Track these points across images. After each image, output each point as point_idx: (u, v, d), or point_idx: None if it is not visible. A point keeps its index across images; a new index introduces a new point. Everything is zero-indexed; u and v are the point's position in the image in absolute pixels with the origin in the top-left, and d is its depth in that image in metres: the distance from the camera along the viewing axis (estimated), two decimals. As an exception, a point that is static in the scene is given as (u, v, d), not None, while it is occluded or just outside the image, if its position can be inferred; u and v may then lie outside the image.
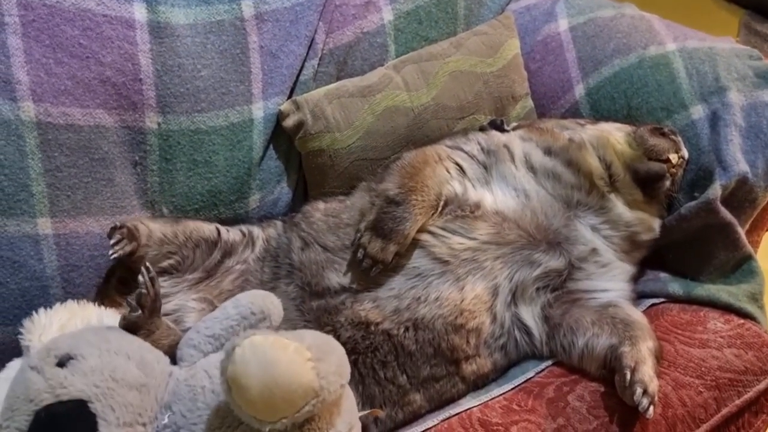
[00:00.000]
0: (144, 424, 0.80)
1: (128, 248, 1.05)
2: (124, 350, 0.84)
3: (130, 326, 0.91)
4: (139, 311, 0.90)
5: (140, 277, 0.91)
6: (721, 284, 1.14)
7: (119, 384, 0.80)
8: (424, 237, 1.06)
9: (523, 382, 1.04)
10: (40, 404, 0.77)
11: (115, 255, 1.04)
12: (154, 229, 1.10)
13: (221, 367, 0.74)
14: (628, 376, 0.92)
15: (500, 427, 0.96)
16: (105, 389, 0.78)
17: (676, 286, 1.15)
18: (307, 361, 0.73)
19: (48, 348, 0.83)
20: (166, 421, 0.82)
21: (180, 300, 1.09)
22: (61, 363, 0.80)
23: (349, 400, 0.88)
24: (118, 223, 1.06)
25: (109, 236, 1.05)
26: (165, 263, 1.10)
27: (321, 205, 1.20)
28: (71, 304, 0.95)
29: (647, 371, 0.93)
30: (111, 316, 0.95)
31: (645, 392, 0.90)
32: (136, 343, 0.87)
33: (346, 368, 0.81)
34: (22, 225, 1.04)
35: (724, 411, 0.99)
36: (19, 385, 0.80)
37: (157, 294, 0.92)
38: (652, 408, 0.90)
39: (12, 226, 1.03)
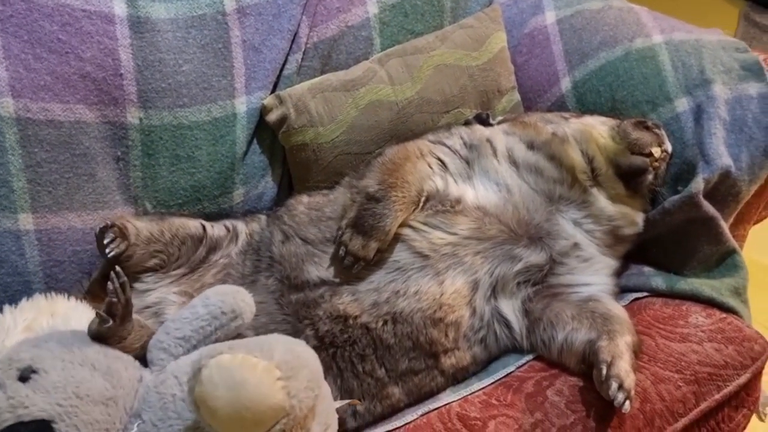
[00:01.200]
0: None
1: (123, 246, 1.05)
2: (89, 361, 0.82)
3: (100, 336, 0.87)
4: (110, 321, 0.86)
5: (109, 284, 0.86)
6: (704, 278, 1.14)
7: (84, 401, 0.78)
8: (405, 231, 1.05)
9: (503, 377, 1.04)
10: (2, 424, 0.75)
11: (112, 254, 1.03)
12: (141, 227, 1.10)
13: (188, 387, 0.73)
14: (604, 371, 0.92)
15: (478, 422, 0.96)
16: (69, 407, 0.77)
17: (659, 280, 1.15)
18: (276, 380, 0.72)
19: (10, 359, 0.81)
20: (135, 430, 0.80)
21: (161, 293, 1.09)
22: (23, 377, 0.79)
23: (325, 400, 0.88)
24: (108, 222, 1.06)
25: (101, 236, 1.04)
26: (151, 262, 1.10)
27: (305, 198, 1.20)
28: (38, 300, 0.94)
29: (623, 366, 0.92)
30: (81, 312, 0.94)
31: (621, 387, 0.90)
32: (102, 352, 0.85)
33: (319, 379, 0.79)
34: (3, 221, 1.05)
35: (703, 405, 0.98)
36: None
37: (128, 300, 0.88)
38: (628, 403, 0.90)
39: (-7, 221, 1.04)
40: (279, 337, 0.80)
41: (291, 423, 0.72)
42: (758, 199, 1.22)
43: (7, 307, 0.91)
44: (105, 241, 1.03)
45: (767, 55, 1.22)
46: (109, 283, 0.85)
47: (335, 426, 0.88)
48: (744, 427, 1.07)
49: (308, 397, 0.74)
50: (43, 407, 0.75)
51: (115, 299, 0.84)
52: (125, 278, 0.86)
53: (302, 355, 0.76)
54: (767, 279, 2.02)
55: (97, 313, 0.84)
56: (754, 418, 1.53)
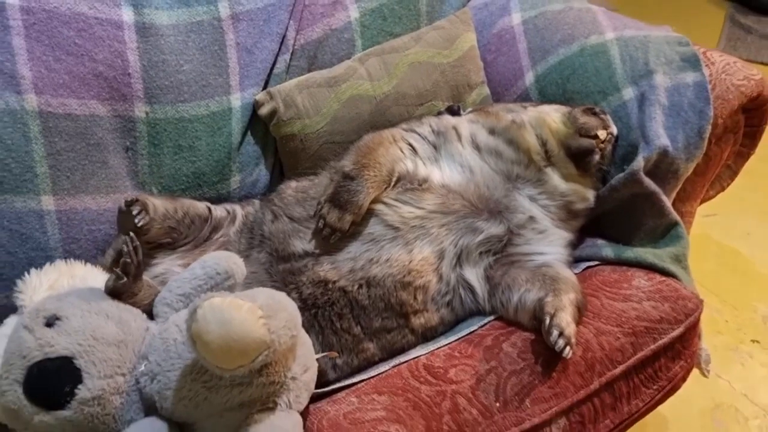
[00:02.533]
0: (123, 375, 0.93)
1: (147, 218, 1.15)
2: (104, 311, 0.96)
3: (115, 291, 1.01)
4: (124, 278, 1.00)
5: (124, 247, 1.01)
6: (649, 247, 1.26)
7: (99, 342, 0.92)
8: (378, 207, 1.19)
9: (466, 334, 1.17)
10: (31, 360, 0.90)
11: (141, 223, 1.13)
12: (158, 205, 1.21)
13: (186, 325, 0.85)
14: (547, 321, 1.05)
15: (441, 370, 1.09)
16: (87, 347, 0.91)
17: (608, 250, 1.28)
18: (259, 318, 0.84)
19: (37, 309, 0.95)
20: (143, 369, 0.94)
21: (167, 265, 1.23)
22: (49, 323, 0.93)
23: (305, 346, 1.02)
24: (133, 197, 1.17)
25: (128, 208, 1.14)
26: (164, 239, 1.22)
27: (293, 183, 1.34)
28: (60, 264, 1.08)
29: (565, 317, 1.05)
30: (96, 274, 1.08)
31: (561, 334, 1.03)
32: (114, 305, 0.99)
33: (297, 321, 0.93)
34: (28, 201, 1.18)
35: (640, 354, 1.11)
36: (14, 342, 0.93)
37: (140, 262, 1.02)
38: (568, 348, 1.02)
39: (19, 202, 1.18)
40: (263, 289, 0.95)
41: (272, 356, 0.86)
42: (702, 178, 1.35)
43: (33, 270, 1.05)
44: (134, 212, 1.14)
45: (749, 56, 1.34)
46: (123, 245, 0.99)
47: (314, 370, 1.02)
48: (683, 378, 1.19)
49: (286, 335, 0.87)
50: (66, 346, 0.89)
51: (128, 260, 0.99)
52: (138, 242, 1.01)
53: (282, 301, 0.90)
54: (731, 259, 2.16)
55: (113, 270, 0.99)
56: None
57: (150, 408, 0.94)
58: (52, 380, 0.88)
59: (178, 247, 1.25)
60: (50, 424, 0.88)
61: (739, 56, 3.35)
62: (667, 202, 1.25)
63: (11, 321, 0.99)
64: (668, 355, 1.15)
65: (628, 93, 1.31)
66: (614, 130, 1.27)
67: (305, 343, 1.02)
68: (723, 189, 1.46)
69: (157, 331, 0.97)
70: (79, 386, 0.88)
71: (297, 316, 0.93)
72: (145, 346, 0.96)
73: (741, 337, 1.91)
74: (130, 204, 1.15)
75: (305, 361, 1.00)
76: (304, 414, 1.02)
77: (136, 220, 1.14)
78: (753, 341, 1.90)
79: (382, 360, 1.17)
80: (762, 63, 3.26)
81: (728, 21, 3.58)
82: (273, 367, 0.92)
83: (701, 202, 1.43)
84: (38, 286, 1.00)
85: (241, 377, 0.89)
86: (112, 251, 1.25)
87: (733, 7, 3.68)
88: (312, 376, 1.01)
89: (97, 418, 0.89)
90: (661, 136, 1.23)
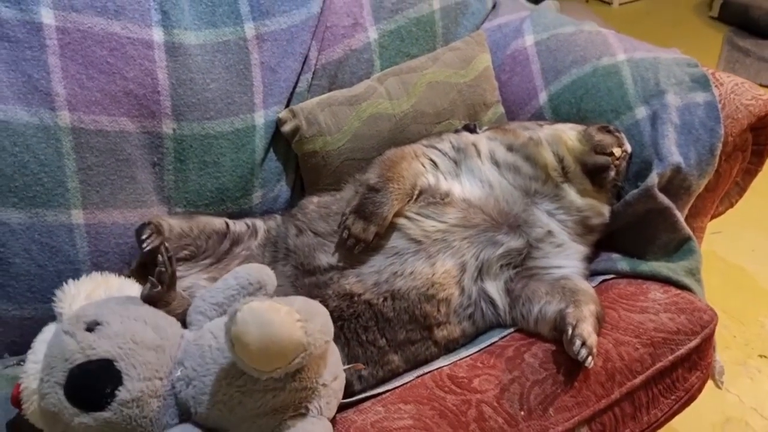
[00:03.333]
0: (161, 378, 0.96)
1: (157, 242, 1.20)
2: (142, 317, 0.99)
3: (151, 299, 1.05)
4: (159, 287, 1.05)
5: (159, 257, 1.06)
6: (663, 261, 1.30)
7: (139, 346, 0.95)
8: (401, 221, 1.22)
9: (487, 346, 1.20)
10: (74, 363, 0.92)
11: (148, 248, 1.18)
12: (173, 224, 1.27)
13: (225, 328, 0.88)
14: (570, 332, 1.08)
15: (465, 380, 1.12)
16: (127, 350, 0.94)
17: (624, 264, 1.31)
18: (296, 321, 0.87)
19: (78, 315, 0.98)
20: (179, 374, 0.97)
21: (193, 279, 1.26)
22: (90, 328, 0.95)
23: (334, 355, 1.05)
24: (146, 221, 1.23)
25: (140, 232, 1.21)
26: (182, 253, 1.26)
27: (315, 198, 1.37)
28: (95, 276, 1.10)
29: (586, 327, 1.08)
30: (130, 285, 1.11)
31: (584, 344, 1.06)
32: (151, 311, 1.02)
33: (330, 328, 0.96)
34: (59, 215, 1.22)
35: (659, 365, 1.14)
36: (56, 347, 0.95)
37: (173, 271, 1.07)
38: (590, 358, 1.05)
39: (50, 216, 1.21)
40: (298, 296, 0.98)
41: (308, 358, 0.89)
42: (712, 194, 1.39)
43: (71, 281, 1.08)
44: (142, 237, 1.19)
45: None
46: (159, 256, 1.03)
47: (342, 379, 1.05)
48: (699, 389, 1.22)
49: (322, 339, 0.90)
50: (107, 349, 0.92)
51: (163, 269, 1.02)
52: (172, 253, 1.04)
53: (316, 307, 0.94)
54: (737, 275, 2.20)
55: (149, 279, 1.02)
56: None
57: (185, 414, 0.96)
58: (93, 381, 0.91)
59: (200, 260, 1.29)
60: (89, 425, 0.90)
61: (737, 78, 3.43)
62: (680, 217, 1.29)
63: (50, 328, 1.01)
64: (685, 366, 1.18)
65: (641, 112, 1.35)
66: (628, 147, 1.32)
67: (334, 351, 1.05)
68: (732, 205, 1.50)
69: (192, 338, 1.00)
70: (120, 388, 0.91)
71: (330, 323, 0.96)
72: (180, 352, 0.99)
73: (749, 352, 1.94)
74: (142, 228, 1.21)
75: (335, 369, 1.02)
76: (332, 423, 1.05)
77: (144, 245, 1.18)
78: (761, 356, 1.93)
79: (406, 371, 1.20)
80: (760, 84, 3.33)
81: (727, 44, 3.66)
82: (306, 372, 0.95)
83: (711, 218, 1.47)
84: (76, 295, 1.03)
85: (275, 381, 0.92)
86: (136, 266, 1.28)
87: (732, 30, 3.77)
88: (340, 384, 1.03)
89: (135, 421, 0.91)
90: (674, 153, 1.27)
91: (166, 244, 1.05)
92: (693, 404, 1.25)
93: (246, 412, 0.94)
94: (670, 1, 4.30)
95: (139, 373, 0.94)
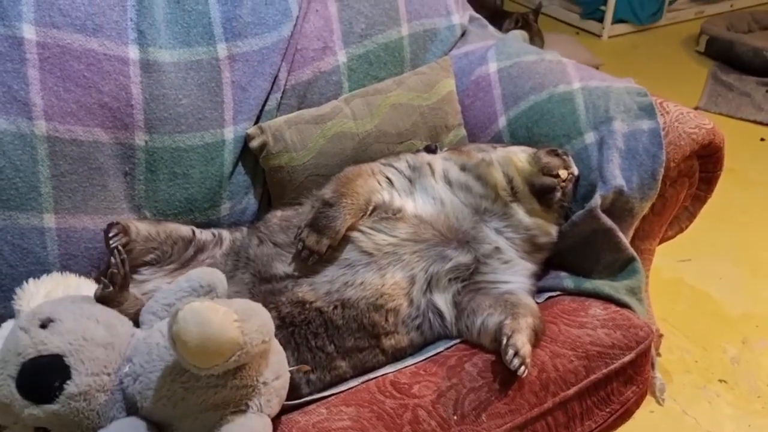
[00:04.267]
0: (109, 374, 1.01)
1: (123, 240, 1.26)
2: (94, 316, 1.05)
3: (103, 299, 1.10)
4: (111, 287, 1.10)
5: (112, 259, 1.11)
6: (607, 280, 1.35)
7: (89, 342, 1.00)
8: (354, 234, 1.28)
9: (433, 355, 1.25)
10: (26, 357, 0.97)
11: (115, 245, 1.24)
12: (141, 228, 1.32)
13: (167, 326, 0.92)
14: (504, 341, 1.13)
15: (405, 385, 1.17)
16: (77, 346, 0.99)
17: (569, 282, 1.37)
18: (233, 321, 0.92)
19: (34, 312, 1.04)
20: (126, 370, 1.02)
21: (156, 283, 1.32)
22: (44, 325, 1.01)
23: (277, 355, 1.10)
24: (114, 221, 1.30)
25: (107, 231, 1.27)
26: (148, 257, 1.33)
27: (279, 212, 1.43)
28: (56, 275, 1.16)
29: (521, 338, 1.13)
30: (88, 285, 1.17)
31: (516, 354, 1.11)
32: (104, 311, 1.07)
33: (269, 329, 1.01)
34: (31, 219, 1.28)
35: (592, 377, 1.19)
36: (10, 341, 1.01)
37: (126, 273, 1.12)
38: (523, 368, 1.10)
39: (23, 219, 1.27)
40: (240, 299, 1.04)
41: (244, 357, 0.94)
42: (659, 218, 1.45)
43: (31, 280, 1.14)
44: (110, 235, 1.25)
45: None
46: (111, 258, 1.09)
47: (286, 378, 1.10)
48: (635, 403, 1.26)
49: (258, 339, 0.96)
50: (58, 345, 0.97)
51: (115, 270, 1.08)
52: (125, 256, 1.11)
53: (256, 308, 0.99)
54: (703, 302, 2.25)
55: (101, 280, 1.08)
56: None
57: (131, 408, 1.01)
58: (43, 375, 0.96)
59: (164, 265, 1.35)
60: (38, 417, 0.96)
61: (719, 111, 3.54)
62: (624, 238, 1.35)
63: (8, 325, 1.07)
64: (620, 380, 1.22)
65: (590, 137, 1.42)
66: (575, 170, 1.38)
67: (278, 352, 1.10)
68: (682, 230, 1.56)
69: (142, 336, 1.06)
70: (68, 382, 0.96)
71: (270, 324, 1.02)
72: (130, 349, 1.04)
73: (709, 377, 1.98)
74: (110, 227, 1.27)
75: (277, 368, 1.07)
76: (277, 423, 1.10)
77: (111, 242, 1.24)
78: (720, 381, 1.97)
79: (354, 377, 1.24)
80: (741, 118, 3.41)
81: (711, 78, 3.75)
82: (246, 371, 1.00)
83: (661, 242, 1.53)
84: (35, 294, 1.09)
85: (216, 378, 0.97)
86: (105, 268, 1.34)
87: (717, 65, 3.86)
88: (283, 384, 1.09)
89: (81, 413, 0.97)
90: (617, 176, 1.34)
91: (120, 247, 1.11)
92: (650, 426, 1.29)
93: (189, 407, 1.00)
94: (658, 36, 4.41)
95: (88, 368, 0.99)
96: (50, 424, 0.97)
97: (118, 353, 1.03)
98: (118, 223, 1.28)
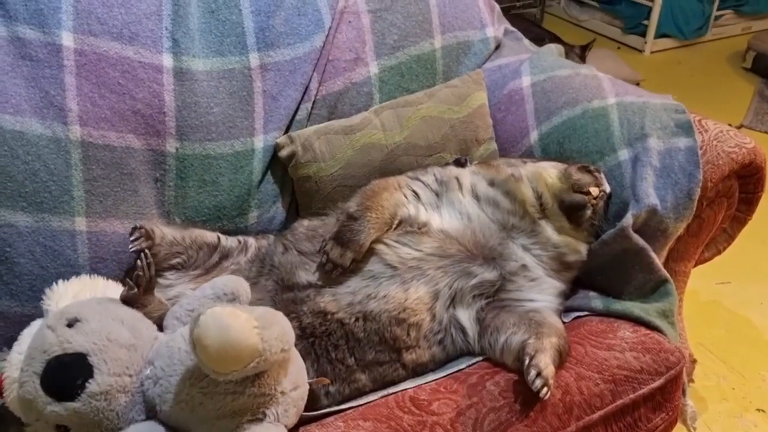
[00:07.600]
0: (130, 375, 1.02)
1: (144, 244, 1.28)
2: (119, 317, 1.06)
3: (128, 301, 1.12)
4: (135, 289, 1.12)
5: (138, 262, 1.13)
6: (638, 302, 1.31)
7: (112, 343, 1.02)
8: (379, 247, 1.27)
9: (454, 372, 1.23)
10: (51, 354, 1.00)
11: (133, 249, 1.27)
12: (166, 232, 1.34)
13: (189, 330, 0.93)
14: (527, 361, 1.10)
15: (425, 402, 1.15)
16: (101, 346, 1.01)
17: (598, 302, 1.33)
18: (254, 328, 0.92)
19: (61, 312, 1.06)
20: (148, 372, 1.03)
21: (180, 288, 1.33)
22: (70, 324, 1.03)
23: (296, 365, 1.09)
24: (138, 225, 1.32)
25: (131, 234, 1.29)
26: (173, 261, 1.34)
27: (305, 221, 1.44)
28: (84, 278, 1.19)
29: (544, 359, 1.11)
30: (115, 288, 1.19)
31: (539, 374, 1.08)
32: (130, 313, 1.10)
33: (290, 338, 1.01)
34: (63, 222, 1.31)
35: (619, 402, 1.15)
36: (37, 339, 1.03)
37: (151, 276, 1.14)
38: (545, 389, 1.07)
39: (55, 221, 1.30)
40: (262, 307, 1.04)
41: (263, 364, 0.94)
42: (695, 239, 1.41)
43: (60, 281, 1.17)
44: (131, 238, 1.27)
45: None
46: (137, 261, 1.10)
47: (305, 390, 1.09)
48: (664, 430, 1.22)
49: (277, 347, 0.95)
50: (82, 344, 0.99)
51: (141, 273, 1.10)
52: (151, 259, 1.12)
53: (277, 317, 0.99)
54: (742, 327, 2.17)
55: (126, 282, 1.10)
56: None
57: (151, 411, 1.02)
58: (66, 373, 0.98)
59: (189, 270, 1.36)
60: (60, 414, 0.97)
61: (766, 130, 3.43)
62: (656, 259, 1.31)
63: (37, 323, 1.10)
64: (648, 406, 1.18)
65: (624, 154, 1.38)
66: (607, 188, 1.35)
67: (297, 363, 1.09)
68: (719, 252, 1.51)
69: (164, 340, 1.07)
70: (90, 380, 0.98)
71: (290, 333, 1.02)
72: (152, 352, 1.05)
73: (746, 405, 1.90)
74: (133, 230, 1.29)
75: (296, 379, 1.07)
76: (292, 433, 1.09)
77: (130, 246, 1.26)
78: (758, 410, 1.89)
79: (373, 391, 1.23)
80: (787, 138, 3.29)
81: (757, 95, 3.64)
82: (264, 379, 1.00)
83: (697, 264, 1.48)
84: (63, 294, 1.12)
85: (234, 385, 0.97)
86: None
87: (764, 82, 3.75)
88: (302, 394, 1.08)
89: (102, 413, 0.98)
90: (650, 195, 1.30)
91: (147, 250, 1.13)
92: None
93: (206, 413, 1.00)
94: (703, 51, 4.31)
95: (110, 368, 1.00)
96: (71, 423, 0.99)
97: (141, 355, 1.04)
98: (141, 227, 1.30)
